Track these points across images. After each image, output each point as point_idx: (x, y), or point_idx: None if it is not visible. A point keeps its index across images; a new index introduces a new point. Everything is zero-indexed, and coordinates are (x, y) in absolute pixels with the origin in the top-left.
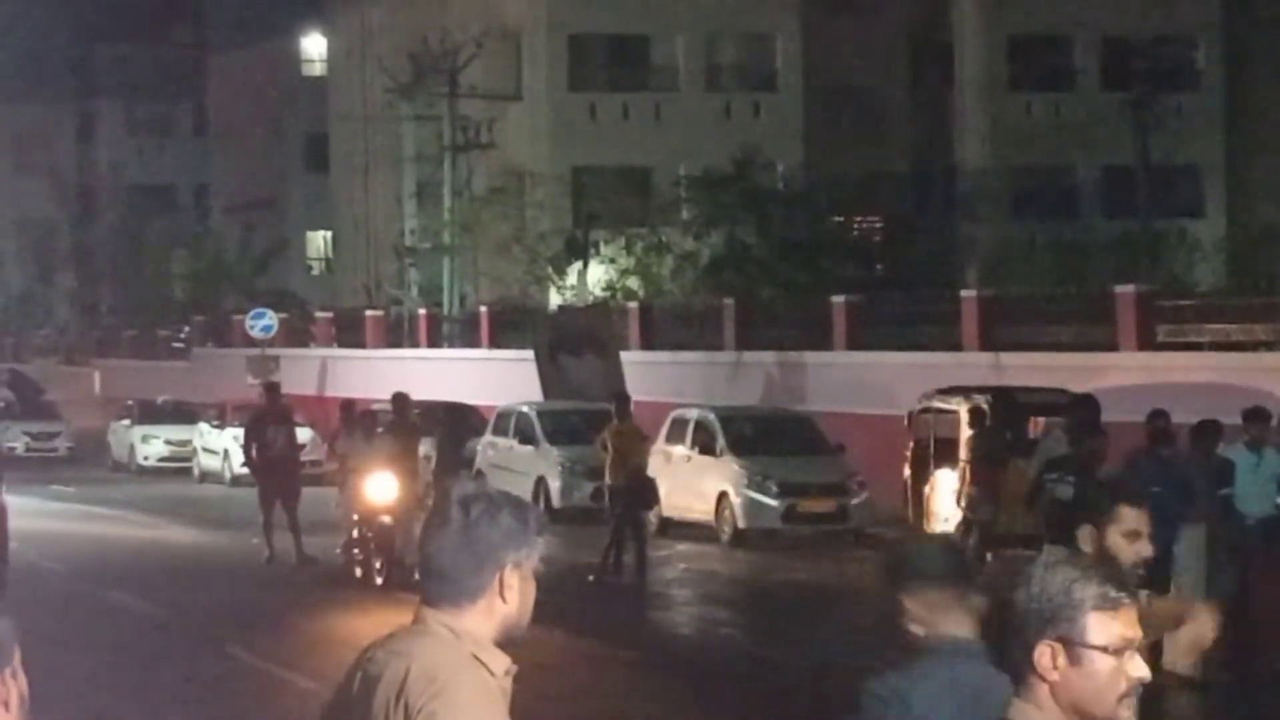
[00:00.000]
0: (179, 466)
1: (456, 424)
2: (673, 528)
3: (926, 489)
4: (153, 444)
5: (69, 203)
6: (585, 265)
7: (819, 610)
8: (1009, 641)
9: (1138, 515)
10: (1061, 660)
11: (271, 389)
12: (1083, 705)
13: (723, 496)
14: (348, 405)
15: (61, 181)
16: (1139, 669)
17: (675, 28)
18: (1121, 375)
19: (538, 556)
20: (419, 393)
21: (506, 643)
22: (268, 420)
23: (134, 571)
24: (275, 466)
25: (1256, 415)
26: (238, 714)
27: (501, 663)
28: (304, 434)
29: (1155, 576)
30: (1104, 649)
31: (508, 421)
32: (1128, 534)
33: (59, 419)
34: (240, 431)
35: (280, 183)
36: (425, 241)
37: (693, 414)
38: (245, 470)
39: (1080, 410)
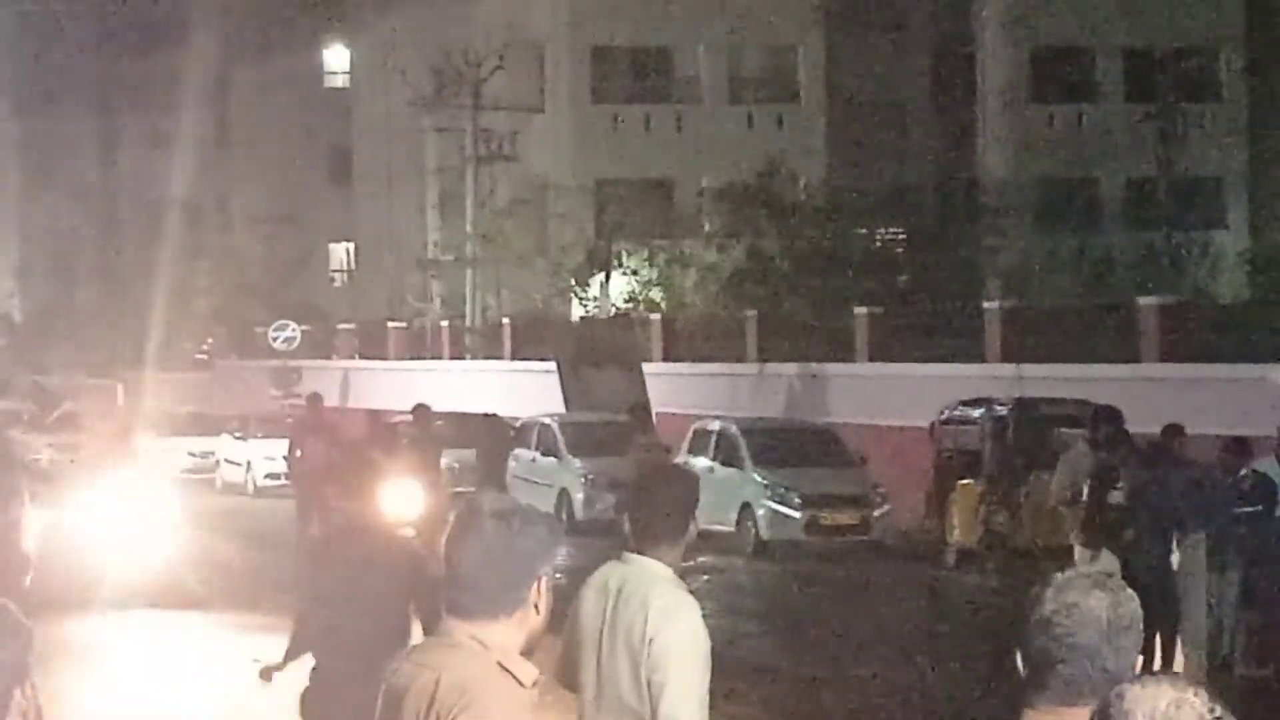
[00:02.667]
0: (201, 478)
1: (496, 437)
2: (694, 539)
3: (949, 501)
4: (174, 455)
5: (92, 215)
6: (608, 277)
7: (840, 622)
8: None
9: None
10: None
11: (314, 401)
12: None
13: (745, 508)
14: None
15: (85, 194)
16: None
17: (698, 40)
18: (1144, 387)
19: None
20: (441, 405)
21: (527, 652)
22: (307, 432)
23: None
24: (313, 479)
25: None
26: None
27: (530, 674)
28: None
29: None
30: None
31: (530, 433)
32: None
33: (82, 431)
34: (264, 443)
35: (303, 195)
36: (448, 253)
37: (715, 425)
38: (268, 482)
39: (1105, 421)
